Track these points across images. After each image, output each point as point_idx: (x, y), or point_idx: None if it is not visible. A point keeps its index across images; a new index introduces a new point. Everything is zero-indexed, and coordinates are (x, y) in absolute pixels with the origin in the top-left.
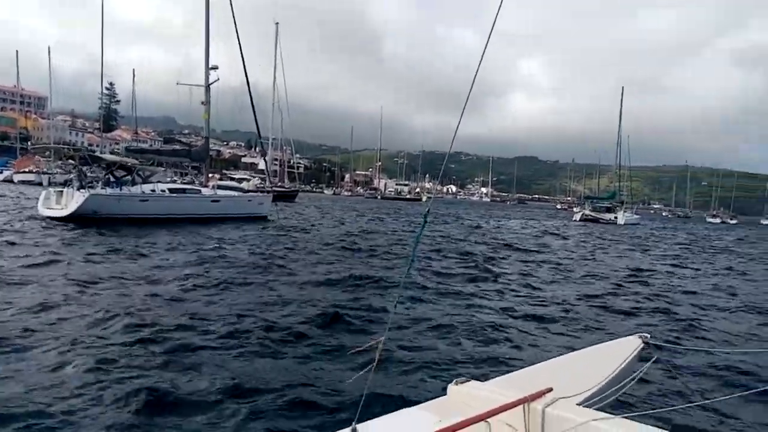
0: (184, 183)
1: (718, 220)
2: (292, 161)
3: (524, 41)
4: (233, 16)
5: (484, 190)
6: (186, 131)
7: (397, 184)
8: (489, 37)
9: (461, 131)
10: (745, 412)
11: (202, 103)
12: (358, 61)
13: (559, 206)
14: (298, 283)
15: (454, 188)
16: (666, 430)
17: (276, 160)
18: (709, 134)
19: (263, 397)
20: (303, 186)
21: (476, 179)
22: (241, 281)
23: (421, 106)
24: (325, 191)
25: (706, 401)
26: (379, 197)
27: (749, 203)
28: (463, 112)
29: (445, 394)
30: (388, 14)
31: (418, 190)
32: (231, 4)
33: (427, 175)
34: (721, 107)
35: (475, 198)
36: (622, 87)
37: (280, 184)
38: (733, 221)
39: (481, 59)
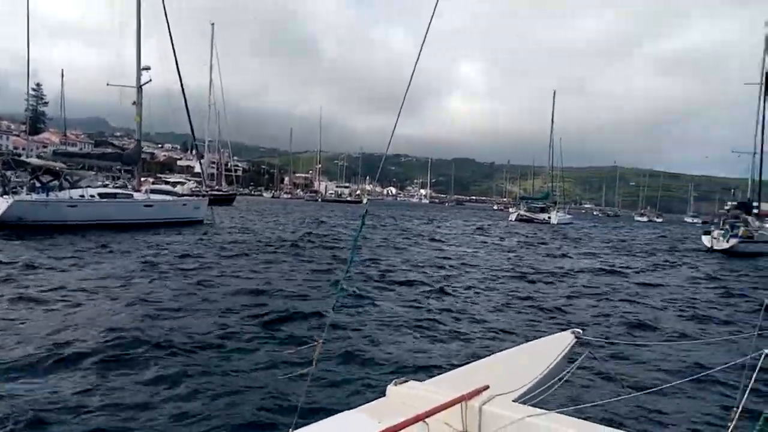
0: (116, 187)
1: (645, 219)
2: (229, 164)
3: (460, 43)
4: (165, 15)
5: (423, 191)
6: (118, 133)
7: (337, 187)
8: (424, 39)
9: (400, 133)
10: (672, 402)
11: (134, 104)
12: (295, 62)
13: (495, 207)
14: (232, 289)
15: (393, 190)
16: (597, 423)
17: (213, 163)
18: (635, 136)
19: (197, 408)
20: (241, 189)
21: (416, 181)
22: (171, 289)
23: (361, 108)
24: (264, 194)
25: (636, 393)
26: (319, 200)
27: (674, 202)
28: (399, 114)
29: (384, 396)
30: (325, 15)
31: (358, 192)
32: (163, 3)
33: (368, 177)
34: (645, 110)
35: (414, 199)
36: (554, 90)
37: (217, 187)
38: (659, 219)
39: (417, 61)
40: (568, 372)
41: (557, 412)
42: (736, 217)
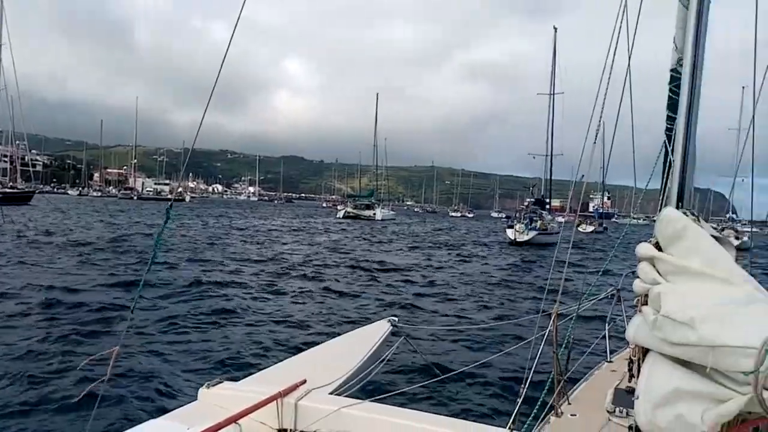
0: None
1: (458, 214)
2: (26, 158)
3: (285, 40)
4: None
5: (251, 189)
6: None
7: (156, 184)
8: (234, 29)
9: (226, 128)
10: (477, 381)
11: None
12: (106, 49)
13: (324, 204)
14: (19, 300)
15: (220, 187)
16: (410, 407)
17: (5, 156)
18: (450, 138)
19: None
20: (41, 186)
21: (243, 178)
22: None
23: (182, 101)
24: (70, 192)
25: (447, 375)
26: (135, 198)
27: (483, 198)
28: (207, 107)
29: (196, 399)
30: (137, 0)
31: (180, 189)
32: None
33: (191, 174)
34: (458, 114)
35: (242, 197)
36: (377, 93)
37: (11, 184)
38: (471, 215)
39: (227, 52)
40: (383, 360)
41: (372, 401)
42: (534, 212)
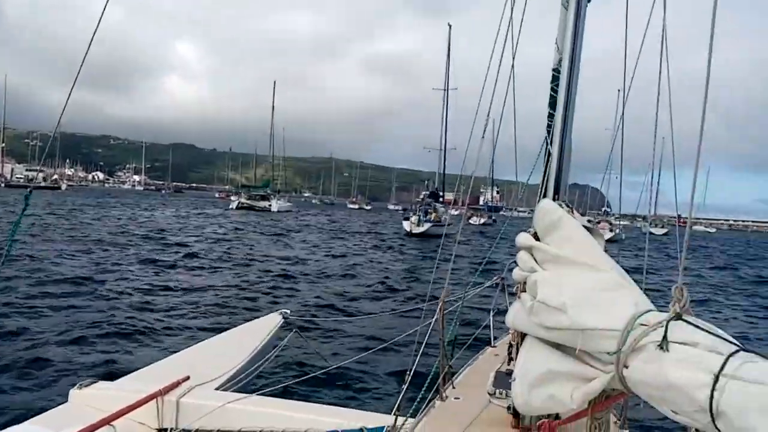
0: None
1: (356, 206)
2: None
3: (178, 22)
4: None
5: (136, 177)
6: None
7: (27, 170)
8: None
9: (109, 111)
10: (367, 370)
11: None
12: None
13: (217, 195)
14: None
15: (101, 175)
16: (300, 399)
17: None
18: (348, 130)
19: None
20: None
21: (128, 166)
22: None
23: (61, 81)
24: None
25: (335, 365)
26: (2, 185)
27: (381, 191)
28: (74, 85)
29: (66, 401)
30: None
31: (55, 177)
32: None
33: (68, 160)
34: (356, 107)
35: (126, 186)
36: (274, 81)
37: None
38: (368, 207)
39: (97, 26)
40: (274, 352)
41: (259, 395)
42: (429, 205)
